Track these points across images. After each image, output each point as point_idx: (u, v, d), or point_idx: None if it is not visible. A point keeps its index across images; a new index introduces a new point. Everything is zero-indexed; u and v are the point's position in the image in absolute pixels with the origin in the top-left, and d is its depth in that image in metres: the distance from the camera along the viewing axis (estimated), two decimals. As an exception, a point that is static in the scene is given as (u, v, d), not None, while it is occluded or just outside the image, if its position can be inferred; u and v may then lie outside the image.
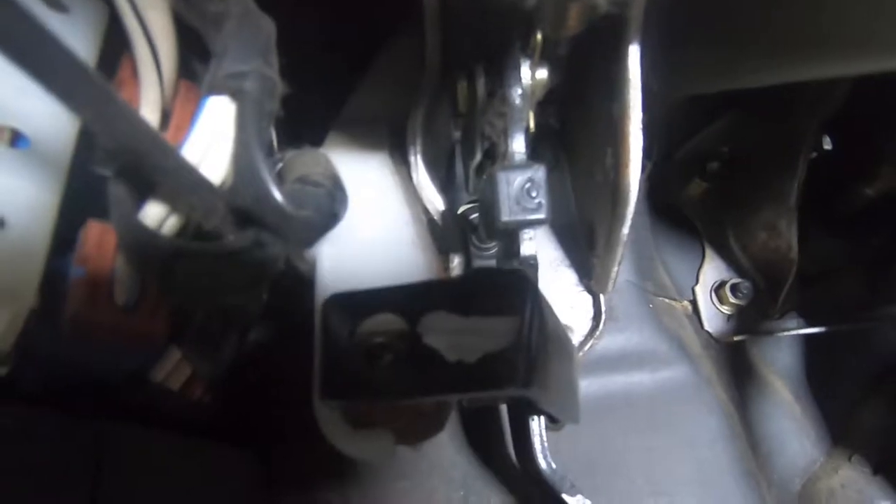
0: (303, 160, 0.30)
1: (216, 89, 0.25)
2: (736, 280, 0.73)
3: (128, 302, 0.29)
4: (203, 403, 0.41)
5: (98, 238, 0.29)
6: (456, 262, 0.59)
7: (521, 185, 0.42)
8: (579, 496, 0.45)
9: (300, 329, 0.35)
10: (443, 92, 0.55)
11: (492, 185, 0.41)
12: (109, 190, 0.25)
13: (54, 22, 0.29)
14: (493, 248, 0.68)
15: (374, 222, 0.37)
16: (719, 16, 0.47)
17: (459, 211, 0.74)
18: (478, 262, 0.67)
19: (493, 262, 0.67)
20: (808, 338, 0.73)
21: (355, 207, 0.32)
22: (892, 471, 0.64)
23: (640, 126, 0.48)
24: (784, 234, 0.66)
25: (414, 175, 0.54)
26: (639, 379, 0.65)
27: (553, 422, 0.47)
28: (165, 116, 0.35)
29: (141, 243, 0.24)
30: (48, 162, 0.27)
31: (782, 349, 0.73)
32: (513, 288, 0.29)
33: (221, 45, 0.26)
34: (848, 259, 0.71)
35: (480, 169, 0.56)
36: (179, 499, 0.37)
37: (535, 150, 0.61)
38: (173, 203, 0.25)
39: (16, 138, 0.27)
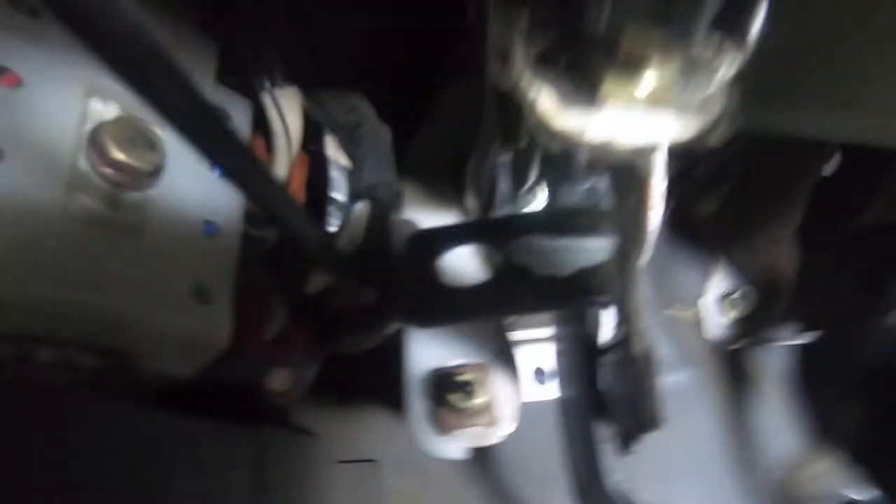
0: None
1: (360, 198, 0.35)
2: (738, 293, 0.83)
3: (272, 337, 0.41)
4: (297, 401, 0.53)
5: (251, 290, 0.40)
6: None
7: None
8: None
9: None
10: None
11: None
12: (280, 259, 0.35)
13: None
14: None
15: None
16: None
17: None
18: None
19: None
20: (800, 346, 0.83)
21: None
22: (864, 463, 0.75)
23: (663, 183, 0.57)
24: (784, 253, 0.76)
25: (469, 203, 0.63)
26: (648, 382, 0.76)
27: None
28: (288, 184, 0.46)
29: (303, 304, 0.34)
30: (230, 241, 0.38)
31: (777, 356, 0.84)
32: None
33: (360, 157, 0.36)
34: (843, 274, 0.81)
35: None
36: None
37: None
38: (325, 277, 0.35)
39: (208, 226, 0.37)
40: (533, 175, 0.60)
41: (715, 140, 0.32)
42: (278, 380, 0.51)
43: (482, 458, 0.70)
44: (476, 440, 0.43)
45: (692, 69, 0.30)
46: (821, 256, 0.79)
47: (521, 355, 0.75)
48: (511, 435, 0.75)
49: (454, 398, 0.40)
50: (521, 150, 0.60)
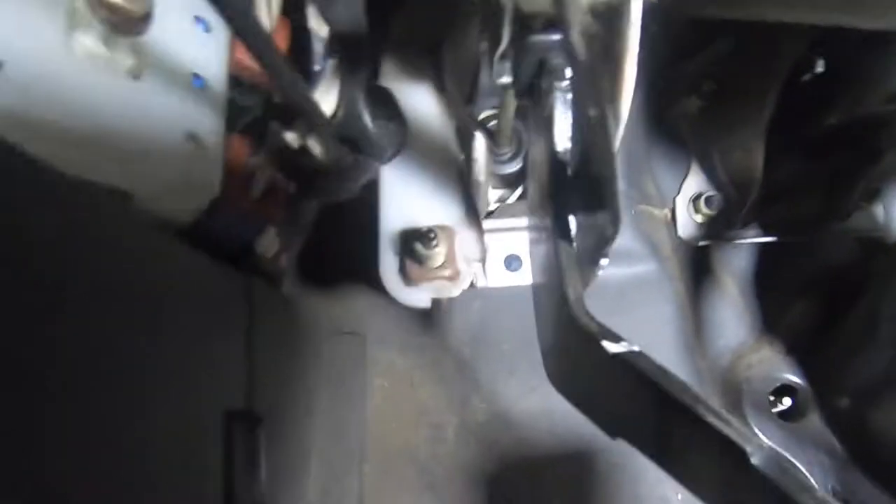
0: (383, 98, 0.45)
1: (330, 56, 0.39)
2: (711, 193, 0.89)
3: (258, 195, 0.46)
4: (285, 269, 0.59)
5: (238, 149, 0.45)
6: (481, 165, 0.74)
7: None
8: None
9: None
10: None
11: None
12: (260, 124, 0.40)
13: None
14: (506, 153, 0.84)
15: (424, 145, 0.52)
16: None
17: (480, 117, 0.89)
18: (494, 168, 0.83)
19: (509, 168, 0.82)
20: (761, 246, 0.91)
21: (412, 134, 0.47)
22: (800, 354, 0.85)
23: (635, 63, 0.61)
24: (753, 155, 0.81)
25: (447, 84, 0.67)
26: (613, 272, 0.83)
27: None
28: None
29: (287, 158, 0.40)
30: (216, 96, 0.42)
31: (739, 254, 0.91)
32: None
33: (334, 19, 0.40)
34: (807, 180, 0.87)
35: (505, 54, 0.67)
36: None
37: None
38: (305, 131, 0.40)
39: (196, 79, 0.41)
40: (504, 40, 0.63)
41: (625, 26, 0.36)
42: (267, 242, 0.58)
43: (457, 334, 0.79)
44: (439, 291, 0.50)
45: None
46: (786, 161, 0.85)
47: (496, 242, 0.82)
48: (484, 317, 0.84)
49: (419, 253, 0.47)
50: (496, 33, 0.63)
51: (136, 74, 0.37)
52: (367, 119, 0.39)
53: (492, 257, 0.82)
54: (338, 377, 0.72)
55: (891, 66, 0.66)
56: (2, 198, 0.25)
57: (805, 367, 0.86)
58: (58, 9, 0.33)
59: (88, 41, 0.34)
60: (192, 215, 0.44)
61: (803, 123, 0.80)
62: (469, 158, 0.69)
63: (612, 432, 0.44)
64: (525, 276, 0.83)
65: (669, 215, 0.91)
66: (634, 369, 0.36)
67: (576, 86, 0.29)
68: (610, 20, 0.42)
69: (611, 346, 0.36)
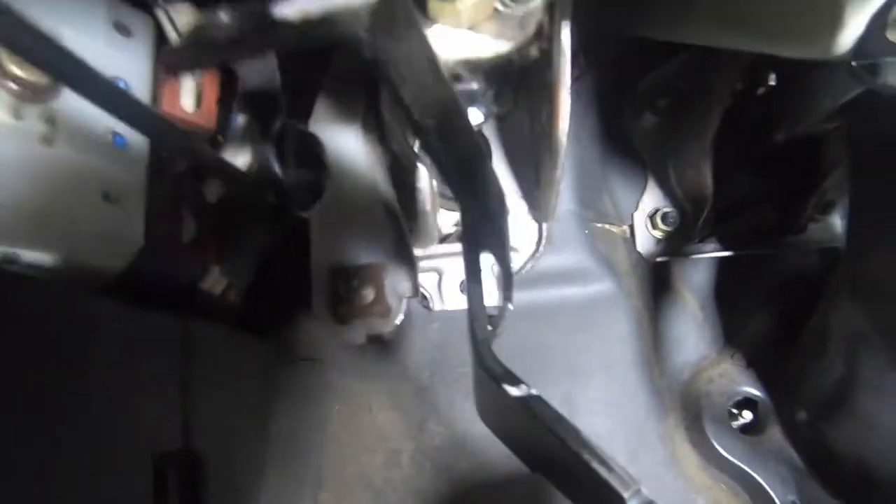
0: (303, 146, 0.46)
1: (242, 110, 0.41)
2: (667, 209, 0.90)
3: (189, 240, 0.48)
4: (235, 303, 0.61)
5: (166, 196, 0.47)
6: (425, 194, 0.76)
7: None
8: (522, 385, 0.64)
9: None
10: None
11: None
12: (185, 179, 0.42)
13: (124, 44, 0.44)
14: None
15: (350, 186, 0.54)
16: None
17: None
18: (445, 191, 0.85)
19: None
20: (720, 260, 0.92)
21: (336, 177, 0.49)
22: (760, 368, 0.87)
23: (569, 92, 0.62)
24: (703, 172, 0.82)
25: (385, 116, 0.69)
26: (570, 292, 0.85)
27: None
28: (199, 98, 0.52)
29: (206, 211, 0.42)
30: (138, 151, 0.44)
31: (698, 269, 0.93)
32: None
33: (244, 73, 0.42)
34: (762, 194, 0.88)
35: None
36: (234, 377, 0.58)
37: (499, 87, 0.76)
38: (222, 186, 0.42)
39: (116, 137, 0.43)
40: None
41: (533, 53, 0.38)
42: (211, 281, 0.60)
43: (415, 358, 0.81)
44: (371, 328, 0.52)
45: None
46: (742, 178, 0.86)
47: (452, 266, 0.84)
48: (442, 340, 0.86)
49: (345, 291, 0.49)
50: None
51: (48, 140, 0.39)
52: (280, 173, 0.41)
53: (448, 280, 0.84)
54: (294, 404, 0.74)
55: (826, 86, 0.67)
56: None
57: (765, 381, 0.88)
58: (-36, 85, 0.35)
59: (-4, 113, 0.36)
60: (121, 264, 0.46)
61: (752, 139, 0.81)
62: (412, 189, 0.71)
63: (532, 467, 0.46)
64: (481, 299, 0.85)
65: (628, 232, 0.92)
66: (533, 412, 0.38)
67: (426, 151, 0.31)
68: (539, 61, 0.44)
69: (512, 391, 0.38)
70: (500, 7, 0.35)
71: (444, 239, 0.84)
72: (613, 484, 0.33)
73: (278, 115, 0.42)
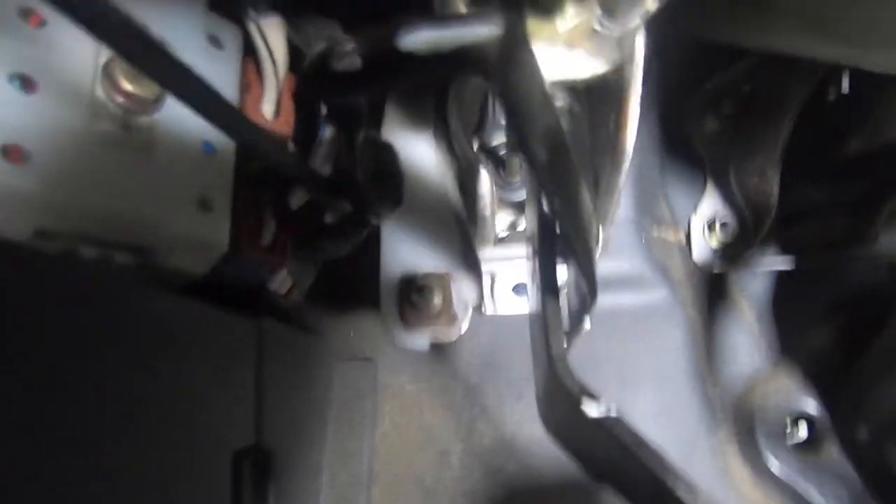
0: (382, 157, 0.48)
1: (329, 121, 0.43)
2: (726, 217, 0.90)
3: (267, 245, 0.51)
4: (298, 303, 0.64)
5: (249, 203, 0.50)
6: (486, 200, 0.77)
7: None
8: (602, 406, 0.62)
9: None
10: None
11: None
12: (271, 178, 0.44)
13: (217, 56, 0.47)
14: (518, 181, 0.86)
15: (421, 194, 0.55)
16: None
17: (493, 144, 0.91)
18: (504, 195, 0.86)
19: (519, 195, 0.85)
20: (780, 271, 0.91)
21: (409, 184, 0.51)
22: (819, 383, 0.86)
23: (639, 99, 0.62)
24: (770, 180, 0.81)
25: (451, 123, 0.71)
26: (624, 299, 0.85)
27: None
28: (278, 105, 0.54)
29: (288, 217, 0.44)
30: (225, 159, 0.46)
31: (757, 279, 0.92)
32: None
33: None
34: (830, 205, 0.87)
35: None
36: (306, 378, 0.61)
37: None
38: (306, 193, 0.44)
39: (206, 146, 0.46)
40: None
41: (629, 74, 0.38)
42: (279, 282, 0.63)
43: (466, 360, 0.82)
44: (437, 336, 0.53)
45: (612, 7, 0.35)
46: (809, 186, 0.85)
47: (505, 270, 0.85)
48: (494, 343, 0.87)
49: (415, 301, 0.50)
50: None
51: (148, 150, 0.41)
52: (362, 181, 0.43)
53: (501, 284, 0.85)
54: (348, 403, 0.76)
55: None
56: (34, 294, 0.30)
57: (823, 397, 0.87)
58: (79, 100, 0.38)
59: (106, 126, 0.39)
60: (205, 267, 0.49)
61: (825, 148, 0.80)
62: (475, 194, 0.72)
63: (598, 479, 0.47)
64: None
65: (684, 239, 0.92)
66: (612, 434, 0.39)
67: (538, 182, 0.31)
68: (614, 75, 0.44)
69: (590, 411, 0.39)
70: (598, 27, 0.36)
71: (498, 242, 0.85)
72: (697, 512, 0.34)
73: (361, 128, 0.44)
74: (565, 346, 0.43)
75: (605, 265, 0.86)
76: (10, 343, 0.29)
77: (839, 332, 0.88)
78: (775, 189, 0.80)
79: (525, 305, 0.85)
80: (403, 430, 0.77)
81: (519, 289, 0.85)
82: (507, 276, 0.83)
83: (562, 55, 0.36)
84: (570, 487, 0.76)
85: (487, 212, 0.73)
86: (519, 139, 0.27)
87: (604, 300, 0.86)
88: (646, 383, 0.84)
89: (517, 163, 0.85)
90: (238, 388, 0.50)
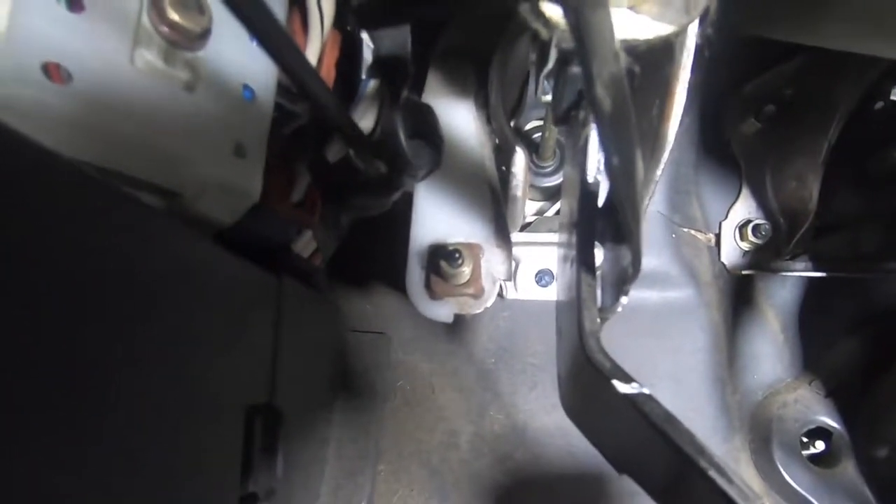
0: (422, 118, 0.47)
1: (373, 76, 0.42)
2: (759, 221, 0.87)
3: (297, 200, 0.49)
4: (319, 268, 0.63)
5: (282, 157, 0.48)
6: (519, 179, 0.75)
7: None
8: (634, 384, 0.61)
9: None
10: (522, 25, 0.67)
11: None
12: (306, 132, 0.43)
13: None
14: (549, 166, 0.85)
15: (459, 161, 0.54)
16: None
17: (526, 128, 0.90)
18: (534, 180, 0.84)
19: (550, 181, 0.83)
20: (809, 280, 0.88)
21: (447, 150, 0.49)
22: (840, 397, 0.83)
23: (686, 87, 0.60)
24: (809, 186, 0.79)
25: (492, 96, 0.69)
26: (648, 295, 0.83)
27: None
28: (320, 60, 0.52)
29: (324, 170, 0.42)
30: (263, 107, 0.45)
31: (785, 286, 0.89)
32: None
33: (377, 37, 0.42)
34: (867, 215, 0.84)
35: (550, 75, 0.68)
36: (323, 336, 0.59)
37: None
38: (344, 147, 0.43)
39: (245, 90, 0.44)
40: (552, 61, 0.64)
41: (678, 59, 0.37)
42: (303, 244, 0.62)
43: (483, 343, 0.81)
44: (462, 307, 0.52)
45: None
46: (846, 196, 0.82)
47: (529, 255, 0.83)
48: (511, 329, 0.86)
49: (444, 269, 0.49)
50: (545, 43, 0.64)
51: (190, 87, 0.40)
52: (403, 140, 0.42)
53: (524, 270, 0.83)
54: (361, 376, 0.75)
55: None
56: (60, 211, 0.29)
57: (844, 412, 0.84)
58: (124, 26, 0.37)
59: (150, 56, 0.37)
60: (232, 217, 0.48)
61: (867, 156, 0.77)
62: (508, 172, 0.70)
63: (619, 468, 0.45)
64: (554, 292, 0.84)
65: (713, 240, 0.90)
66: (643, 411, 0.37)
67: (600, 133, 0.30)
68: (663, 50, 0.43)
69: (621, 387, 0.38)
70: (663, -10, 0.34)
71: (524, 227, 0.84)
72: (733, 496, 0.32)
73: (405, 84, 0.42)
74: (598, 322, 0.42)
75: (631, 259, 0.85)
76: (24, 253, 0.27)
77: (864, 348, 0.86)
78: (814, 195, 0.78)
79: (546, 293, 0.84)
80: (413, 409, 0.76)
81: (541, 275, 0.83)
82: (530, 262, 0.82)
83: (626, 16, 0.35)
84: (579, 480, 0.75)
85: (519, 192, 0.71)
86: (588, 82, 0.26)
87: (629, 295, 0.85)
88: (663, 382, 0.82)
89: (551, 147, 0.83)
90: (255, 342, 0.49)
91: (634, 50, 0.36)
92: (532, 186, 0.86)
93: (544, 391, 0.80)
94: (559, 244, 0.75)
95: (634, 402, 0.38)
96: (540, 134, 0.82)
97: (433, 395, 0.77)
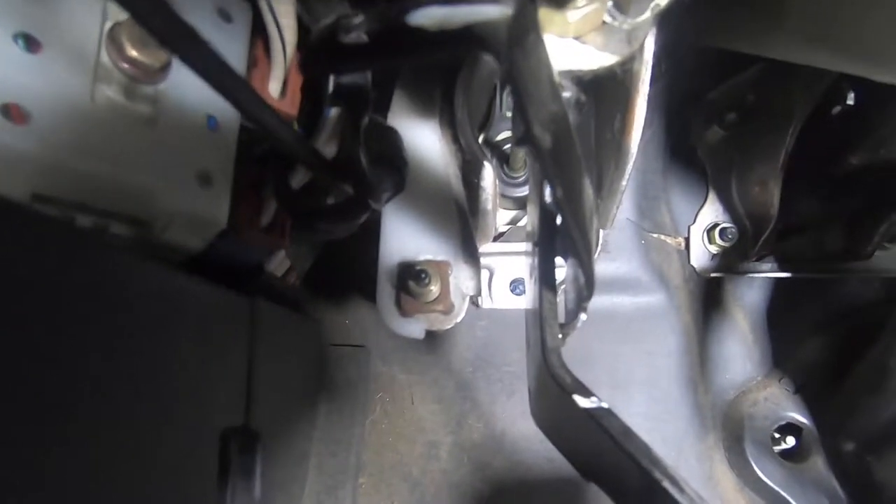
0: (386, 141, 0.47)
1: (334, 102, 0.42)
2: (726, 224, 0.89)
3: (266, 226, 0.50)
4: (295, 286, 0.63)
5: (249, 182, 0.49)
6: (488, 193, 0.76)
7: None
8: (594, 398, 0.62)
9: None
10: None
11: None
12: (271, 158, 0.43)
13: (225, 28, 0.46)
14: (520, 177, 0.86)
15: (424, 181, 0.55)
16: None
17: (497, 138, 0.91)
18: (506, 190, 0.85)
19: (521, 191, 0.85)
20: (776, 281, 0.91)
21: (412, 170, 0.50)
22: (808, 393, 0.85)
23: (646, 99, 0.61)
24: (770, 191, 0.81)
25: (458, 113, 0.70)
26: (621, 300, 0.85)
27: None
28: (285, 84, 0.53)
29: (289, 196, 0.43)
30: (228, 135, 0.46)
31: (752, 288, 0.91)
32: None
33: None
34: (828, 217, 0.86)
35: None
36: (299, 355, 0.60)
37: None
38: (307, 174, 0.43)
39: (210, 119, 0.45)
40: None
41: (637, 72, 0.38)
42: (276, 263, 0.62)
43: (460, 353, 0.82)
44: (433, 324, 0.53)
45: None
46: (808, 199, 0.84)
47: (503, 265, 0.84)
48: (488, 338, 0.87)
49: (412, 288, 0.50)
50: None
51: (153, 120, 0.41)
52: (366, 165, 0.42)
53: (498, 279, 0.85)
54: (340, 389, 0.76)
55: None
56: (29, 259, 0.29)
57: (812, 408, 0.86)
58: (83, 63, 0.37)
59: (110, 92, 0.38)
60: (202, 243, 0.48)
61: (826, 161, 0.79)
62: (477, 186, 0.71)
63: (587, 477, 0.46)
64: (528, 301, 0.85)
65: (683, 244, 0.92)
66: (601, 425, 0.38)
67: (541, 168, 0.31)
68: (622, 69, 0.44)
69: (581, 402, 0.39)
70: (608, 20, 0.35)
71: (497, 237, 0.85)
72: (685, 505, 0.33)
73: (367, 110, 0.43)
74: (560, 337, 0.43)
75: (603, 266, 0.86)
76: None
77: (831, 345, 0.88)
78: (776, 200, 0.80)
79: (521, 301, 0.85)
80: (393, 420, 0.77)
81: (516, 284, 0.84)
82: (504, 271, 0.83)
83: (571, 46, 0.36)
84: (557, 486, 0.76)
85: (489, 205, 0.72)
86: (525, 123, 0.27)
87: (600, 301, 0.87)
88: (637, 385, 0.84)
89: (521, 158, 0.85)
90: (229, 366, 0.49)
91: (580, 80, 0.38)
92: (504, 196, 0.87)
93: (521, 398, 0.81)
94: (526, 255, 0.77)
95: (593, 416, 0.39)
96: (509, 145, 0.83)
97: (413, 406, 0.77)
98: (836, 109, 0.83)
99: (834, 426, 0.83)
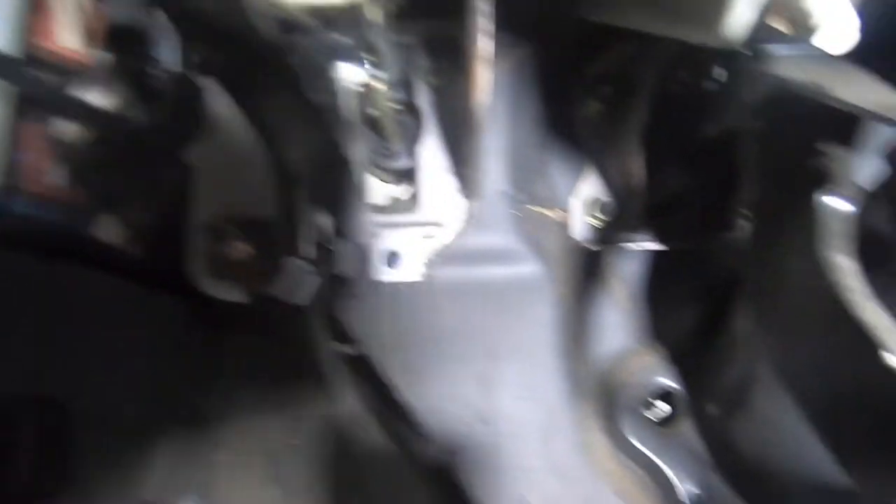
0: (184, 91, 0.45)
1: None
2: (605, 197, 0.91)
3: (61, 183, 0.47)
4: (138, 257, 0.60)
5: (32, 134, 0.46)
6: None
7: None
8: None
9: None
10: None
11: None
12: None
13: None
14: (393, 149, 0.85)
15: (236, 136, 0.53)
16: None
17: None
18: (384, 163, 0.84)
19: (397, 163, 0.83)
20: (652, 254, 0.92)
21: (224, 125, 0.48)
22: (679, 361, 0.88)
23: (488, 66, 0.61)
24: (632, 162, 0.82)
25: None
26: (494, 272, 0.85)
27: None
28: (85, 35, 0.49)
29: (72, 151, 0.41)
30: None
31: (630, 260, 0.93)
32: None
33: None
34: (692, 190, 0.89)
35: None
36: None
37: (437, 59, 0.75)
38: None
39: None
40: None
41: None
42: (105, 230, 0.59)
43: (322, 324, 0.80)
44: (251, 286, 0.51)
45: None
46: (674, 172, 0.86)
47: (380, 238, 0.83)
48: (361, 311, 0.85)
49: (229, 248, 0.48)
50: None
51: None
52: (146, 115, 0.40)
53: (376, 253, 0.84)
54: (196, 367, 0.73)
55: (743, 81, 0.67)
56: None
57: (683, 375, 0.89)
58: None
59: None
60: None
61: (682, 134, 0.81)
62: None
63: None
64: (404, 273, 0.84)
65: (564, 217, 0.92)
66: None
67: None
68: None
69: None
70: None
71: (378, 210, 0.84)
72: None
73: (146, 57, 0.41)
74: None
75: (475, 238, 0.86)
76: None
77: (700, 314, 0.91)
78: (639, 171, 0.81)
79: (396, 274, 0.84)
80: (255, 396, 0.75)
81: (392, 258, 0.84)
82: (381, 245, 0.82)
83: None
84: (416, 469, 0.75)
85: (362, 177, 0.71)
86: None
87: (473, 273, 0.86)
88: (512, 356, 0.84)
89: (395, 129, 0.84)
90: (16, 330, 0.47)
91: (324, 16, 0.36)
92: (381, 168, 0.85)
93: (391, 374, 0.80)
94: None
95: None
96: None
97: (275, 382, 0.75)
98: (707, 85, 0.85)
99: (700, 391, 0.86)
